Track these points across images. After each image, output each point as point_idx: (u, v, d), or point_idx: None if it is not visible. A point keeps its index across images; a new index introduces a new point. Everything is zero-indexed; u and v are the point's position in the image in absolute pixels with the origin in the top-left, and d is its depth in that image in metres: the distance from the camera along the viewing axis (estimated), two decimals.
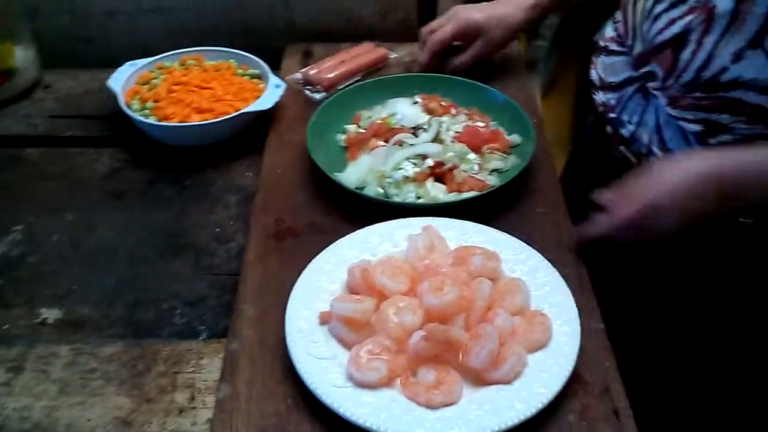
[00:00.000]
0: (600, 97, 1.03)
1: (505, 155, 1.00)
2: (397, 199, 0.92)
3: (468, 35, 1.14)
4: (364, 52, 1.19)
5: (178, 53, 1.16)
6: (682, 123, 0.89)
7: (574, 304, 0.74)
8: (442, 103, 1.06)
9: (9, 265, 0.88)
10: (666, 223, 0.78)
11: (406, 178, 0.94)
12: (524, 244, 0.82)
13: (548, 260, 0.80)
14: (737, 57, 0.80)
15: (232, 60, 1.16)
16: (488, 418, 0.64)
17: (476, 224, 0.85)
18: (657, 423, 0.72)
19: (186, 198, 0.99)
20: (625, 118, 0.97)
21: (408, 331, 0.70)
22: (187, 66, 1.14)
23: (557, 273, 0.78)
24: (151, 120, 1.03)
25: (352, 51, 1.20)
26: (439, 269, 0.75)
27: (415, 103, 1.06)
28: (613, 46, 1.01)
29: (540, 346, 0.70)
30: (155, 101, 1.06)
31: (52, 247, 0.91)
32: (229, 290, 0.85)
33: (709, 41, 0.81)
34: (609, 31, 1.05)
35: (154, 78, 1.11)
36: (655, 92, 0.92)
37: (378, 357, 0.68)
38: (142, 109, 1.06)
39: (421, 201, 0.92)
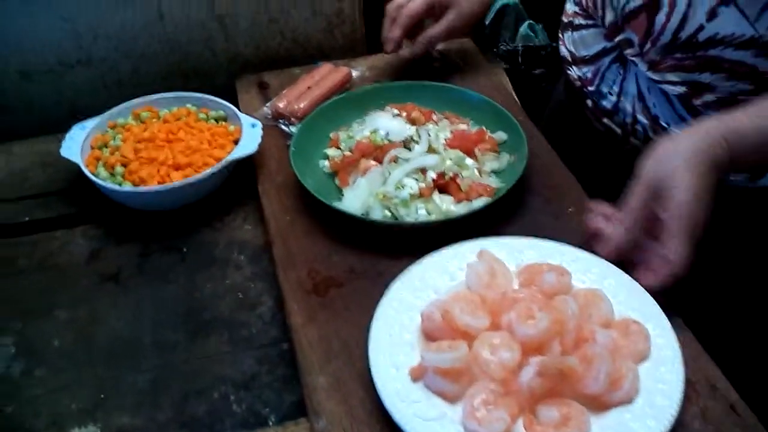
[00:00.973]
0: (575, 71, 1.03)
1: (496, 154, 0.98)
2: (408, 219, 0.88)
3: (437, 8, 1.09)
4: (328, 74, 1.13)
5: (127, 106, 1.05)
6: (664, 86, 0.90)
7: (656, 304, 0.72)
8: (422, 111, 1.02)
9: (14, 386, 0.76)
10: (686, 195, 0.71)
11: (413, 196, 0.89)
12: (580, 250, 0.79)
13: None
14: (711, 14, 0.81)
15: (188, 105, 1.06)
16: None
17: (522, 238, 0.81)
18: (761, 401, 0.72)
19: (189, 266, 0.89)
20: (604, 89, 0.98)
21: (510, 369, 0.66)
22: (143, 119, 1.04)
23: (626, 275, 0.76)
24: (127, 187, 0.93)
25: (314, 75, 1.13)
26: (517, 296, 0.71)
27: (396, 115, 1.02)
28: (579, 21, 1.01)
29: (643, 356, 0.68)
30: (123, 165, 0.95)
31: (57, 352, 0.80)
32: (279, 362, 0.77)
33: (682, 2, 0.83)
34: (570, 7, 1.05)
35: (111, 139, 1.00)
36: (633, 59, 0.93)
37: (495, 406, 0.63)
38: (112, 176, 0.95)
39: (433, 217, 0.88)
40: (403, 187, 0.90)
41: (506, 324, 0.69)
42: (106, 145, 1.00)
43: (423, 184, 0.90)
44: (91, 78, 1.19)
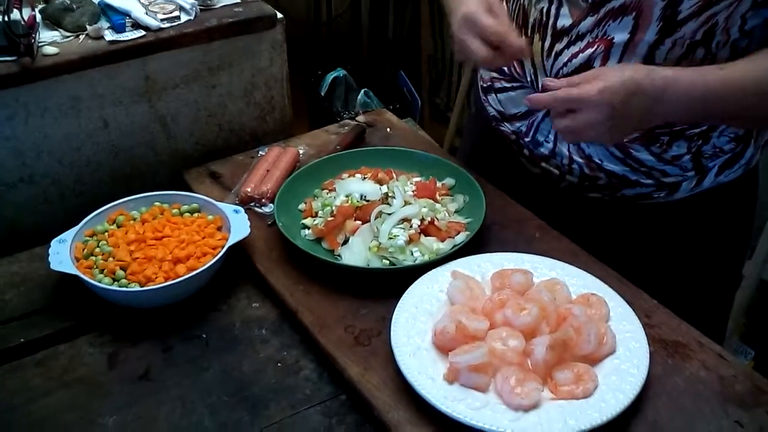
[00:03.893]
0: (508, 127, 1.17)
1: (451, 197, 1.13)
2: (407, 263, 0.99)
3: None
4: (279, 155, 1.21)
5: (102, 212, 1.06)
6: None
7: (597, 278, 0.93)
8: (385, 172, 1.14)
9: None
10: (596, 117, 0.90)
11: (405, 242, 1.01)
12: (521, 253, 0.98)
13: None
14: None
15: (157, 203, 1.10)
16: (634, 376, 0.80)
17: (474, 255, 0.98)
18: None
19: (217, 350, 0.93)
20: (540, 138, 1.13)
21: (521, 352, 0.82)
22: (119, 224, 1.05)
23: (568, 265, 0.96)
24: (135, 288, 0.94)
25: (267, 157, 1.21)
26: (502, 297, 0.88)
27: (365, 178, 1.12)
28: (501, 84, 1.16)
29: (607, 318, 0.87)
30: (122, 269, 0.97)
31: None
32: (346, 412, 0.84)
33: (610, 66, 0.99)
34: (486, 73, 1.21)
35: (96, 246, 1.01)
36: None
37: (526, 380, 0.78)
38: (115, 281, 0.96)
39: (427, 257, 1.00)
40: (395, 237, 1.01)
41: (502, 320, 0.85)
42: (92, 254, 1.00)
43: (412, 231, 1.02)
44: (33, 194, 1.17)
